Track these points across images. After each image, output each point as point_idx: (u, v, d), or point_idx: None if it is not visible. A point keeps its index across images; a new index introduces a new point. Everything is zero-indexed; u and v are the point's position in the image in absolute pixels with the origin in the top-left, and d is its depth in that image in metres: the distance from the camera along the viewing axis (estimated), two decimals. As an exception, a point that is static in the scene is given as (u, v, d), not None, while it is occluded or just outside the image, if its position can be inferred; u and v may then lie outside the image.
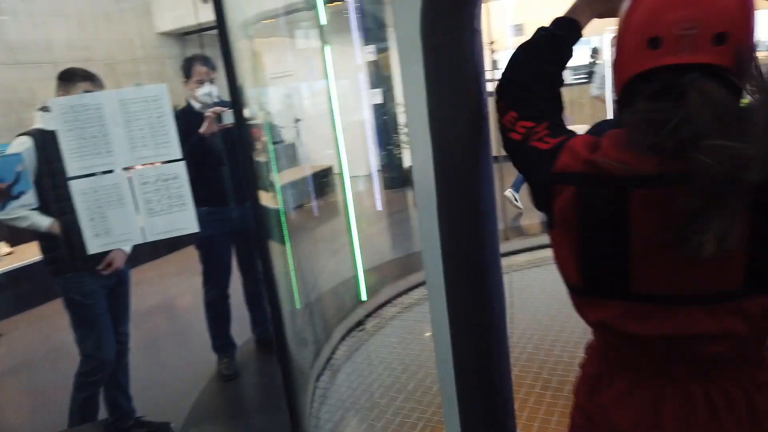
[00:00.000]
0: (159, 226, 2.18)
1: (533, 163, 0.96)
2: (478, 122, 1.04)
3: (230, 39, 2.30)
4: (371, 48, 7.48)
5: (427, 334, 3.74)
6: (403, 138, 7.73)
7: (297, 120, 4.86)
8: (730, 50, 0.81)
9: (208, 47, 9.89)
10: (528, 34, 1.04)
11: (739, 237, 0.79)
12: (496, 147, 1.16)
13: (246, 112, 2.39)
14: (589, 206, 0.89)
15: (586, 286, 0.94)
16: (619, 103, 0.93)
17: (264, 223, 2.37)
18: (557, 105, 1.04)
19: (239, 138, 2.24)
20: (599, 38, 10.98)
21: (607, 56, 7.91)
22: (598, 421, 1.00)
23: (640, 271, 0.87)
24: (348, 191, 3.79)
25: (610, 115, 5.96)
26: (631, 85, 0.88)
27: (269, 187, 2.98)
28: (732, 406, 0.90)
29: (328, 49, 3.71)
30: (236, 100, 2.28)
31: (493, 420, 1.16)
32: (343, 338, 3.64)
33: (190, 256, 5.96)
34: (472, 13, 1.02)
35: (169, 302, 5.01)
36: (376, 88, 7.52)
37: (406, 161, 8.05)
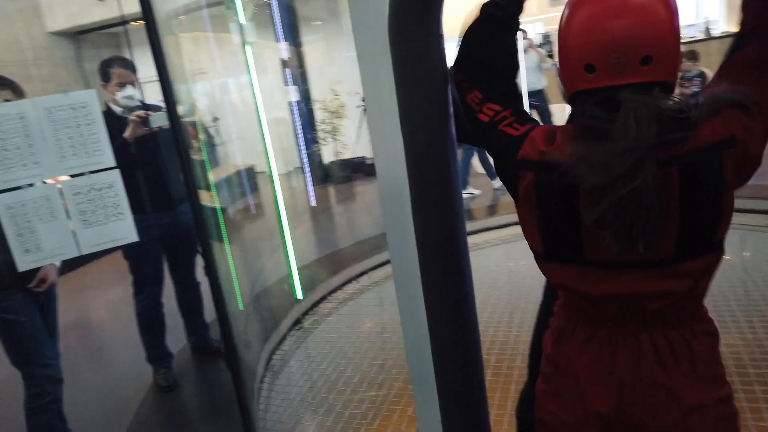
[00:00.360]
0: (95, 238, 2.08)
1: (505, 147, 1.08)
2: (446, 121, 1.11)
3: (159, 34, 2.23)
4: (285, 45, 7.40)
5: (370, 323, 3.81)
6: (321, 134, 7.73)
7: (215, 119, 4.74)
8: (656, 67, 0.95)
9: (105, 47, 9.36)
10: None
11: (665, 216, 0.95)
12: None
13: (180, 111, 2.33)
14: (545, 190, 1.04)
15: (548, 254, 1.10)
16: (570, 104, 1.07)
17: (206, 224, 2.32)
18: (516, 87, 1.16)
19: (175, 138, 2.18)
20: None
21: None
22: (564, 367, 1.14)
23: (590, 242, 1.02)
24: (278, 189, 3.77)
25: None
26: (576, 94, 1.04)
27: (207, 186, 2.91)
28: (674, 351, 1.05)
29: (249, 48, 3.66)
30: (169, 99, 2.22)
31: (469, 402, 1.24)
32: (282, 338, 3.63)
33: (102, 268, 5.68)
34: (438, 20, 1.08)
35: (86, 318, 4.75)
36: (292, 85, 7.46)
37: (326, 157, 8.06)
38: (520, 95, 1.16)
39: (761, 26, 1.01)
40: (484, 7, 1.15)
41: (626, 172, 0.91)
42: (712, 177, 0.95)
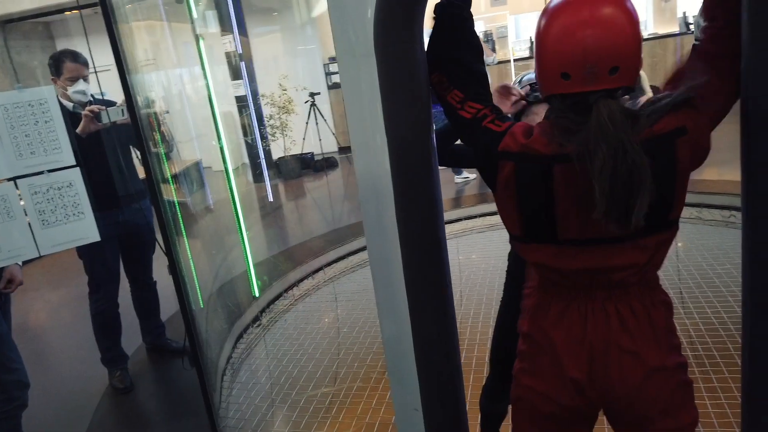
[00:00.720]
0: (55, 238, 2.03)
1: (489, 141, 1.18)
2: (428, 120, 1.17)
3: (115, 21, 2.19)
4: (233, 37, 7.28)
5: (329, 317, 3.85)
6: (270, 130, 7.65)
7: (165, 112, 4.62)
8: (621, 75, 1.08)
9: (35, 38, 8.88)
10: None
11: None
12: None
13: (139, 102, 2.28)
14: (524, 177, 1.15)
15: (525, 236, 1.22)
16: (548, 102, 1.19)
17: (169, 219, 2.30)
18: (488, 87, 1.26)
19: (136, 132, 2.15)
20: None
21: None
22: (540, 340, 1.26)
23: (564, 223, 1.15)
24: (233, 185, 3.73)
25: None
26: (552, 96, 1.16)
27: (165, 180, 2.86)
28: (636, 319, 1.19)
29: (201, 41, 3.61)
30: (128, 91, 2.18)
31: (449, 388, 1.31)
32: (240, 336, 3.61)
33: (41, 270, 5.44)
34: (420, 26, 1.14)
35: (29, 322, 4.55)
36: (237, 79, 7.34)
37: (275, 153, 7.99)
38: (490, 98, 1.26)
39: (721, 17, 1.11)
40: (438, 7, 1.25)
41: (616, 156, 1.03)
42: (666, 161, 1.08)
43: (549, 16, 1.10)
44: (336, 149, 8.93)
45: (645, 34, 9.38)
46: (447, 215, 5.20)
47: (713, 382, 2.48)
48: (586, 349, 1.20)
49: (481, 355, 3.01)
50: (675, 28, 9.26)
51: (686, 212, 4.33)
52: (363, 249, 4.78)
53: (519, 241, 1.24)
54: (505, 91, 1.62)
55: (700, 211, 4.43)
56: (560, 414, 1.26)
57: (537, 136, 1.14)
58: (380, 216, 1.34)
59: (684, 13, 9.27)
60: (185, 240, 3.10)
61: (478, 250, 4.58)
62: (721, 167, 5.06)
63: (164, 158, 3.03)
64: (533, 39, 1.17)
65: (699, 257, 3.74)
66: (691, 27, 9.14)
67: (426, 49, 1.24)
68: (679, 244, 4.02)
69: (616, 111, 1.04)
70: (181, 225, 3.04)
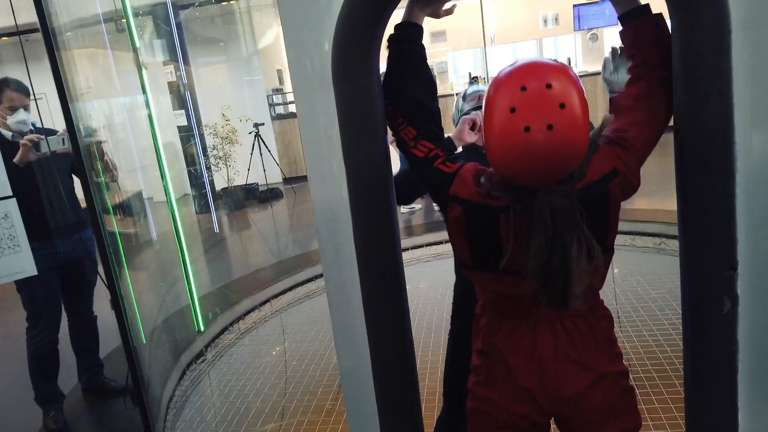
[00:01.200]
0: (-12, 272, 1.91)
1: (440, 181, 1.24)
2: (386, 151, 1.20)
3: (57, 47, 2.13)
4: (171, 68, 7.18)
5: (276, 349, 3.76)
6: (213, 160, 7.54)
7: (103, 142, 4.49)
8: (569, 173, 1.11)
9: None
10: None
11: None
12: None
13: (82, 130, 2.22)
14: (472, 221, 1.21)
15: (475, 264, 1.27)
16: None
17: (111, 251, 2.22)
18: (440, 126, 1.31)
19: (78, 161, 2.08)
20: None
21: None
22: (493, 354, 1.32)
23: (511, 257, 1.17)
24: (177, 216, 3.65)
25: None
26: None
27: (107, 211, 2.76)
28: (581, 333, 1.27)
29: (144, 70, 3.55)
30: (69, 119, 2.12)
31: (410, 417, 1.32)
32: (183, 372, 3.48)
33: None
34: (376, 61, 1.18)
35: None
36: (179, 109, 7.23)
37: (219, 184, 7.85)
38: (443, 133, 1.32)
39: (645, 61, 1.21)
40: (391, 39, 1.29)
41: (552, 247, 1.09)
42: (601, 201, 1.16)
43: (498, 98, 1.04)
44: (281, 180, 8.89)
45: (576, 71, 9.91)
46: (394, 245, 5.24)
47: (653, 403, 2.58)
48: (536, 361, 1.26)
49: (432, 384, 3.02)
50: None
51: (621, 239, 4.55)
52: (310, 280, 4.74)
53: (468, 269, 1.30)
54: (472, 123, 1.68)
55: (633, 238, 4.66)
56: (514, 423, 1.31)
57: (485, 188, 1.19)
58: (337, 244, 1.35)
59: (612, 47, 9.85)
60: (126, 272, 3.00)
61: (426, 279, 4.62)
62: (652, 197, 5.37)
63: (105, 188, 2.94)
64: (482, 103, 1.11)
65: (634, 282, 3.92)
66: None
67: (384, 83, 1.29)
68: (615, 270, 4.20)
69: (558, 204, 1.07)
70: (122, 257, 2.94)
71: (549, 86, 0.99)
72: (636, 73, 1.23)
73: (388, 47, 1.29)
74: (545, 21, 11.41)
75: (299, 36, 1.28)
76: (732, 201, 1.03)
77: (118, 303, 2.16)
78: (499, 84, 1.04)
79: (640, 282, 3.90)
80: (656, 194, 5.62)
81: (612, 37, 10.87)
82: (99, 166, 2.84)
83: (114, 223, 3.04)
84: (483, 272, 1.27)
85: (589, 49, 10.96)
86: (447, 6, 1.34)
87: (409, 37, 1.28)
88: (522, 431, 1.33)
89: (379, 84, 1.19)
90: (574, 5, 10.67)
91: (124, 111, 5.13)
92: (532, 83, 0.99)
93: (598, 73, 9.49)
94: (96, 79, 4.11)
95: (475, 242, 1.22)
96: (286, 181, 8.88)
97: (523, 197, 1.11)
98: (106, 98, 4.53)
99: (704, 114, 1.01)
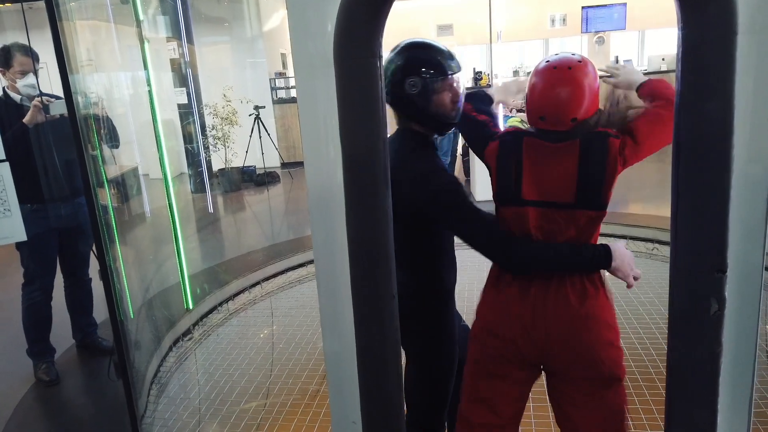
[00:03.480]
0: (-23, 235, 1.90)
1: (489, 133, 1.66)
2: (382, 133, 1.19)
3: (59, 17, 2.11)
4: (174, 44, 7.13)
5: (264, 332, 3.77)
6: (211, 141, 7.50)
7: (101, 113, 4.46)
8: (578, 121, 1.48)
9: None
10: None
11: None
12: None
13: (79, 101, 2.21)
14: (503, 149, 1.57)
15: (501, 197, 1.57)
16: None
17: (102, 224, 2.21)
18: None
19: (74, 130, 2.07)
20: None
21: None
22: (492, 300, 1.61)
23: (527, 186, 1.51)
24: (171, 194, 3.63)
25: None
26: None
27: (101, 183, 2.76)
28: (574, 287, 1.51)
29: (147, 45, 3.52)
30: (68, 90, 2.10)
31: (389, 402, 1.32)
32: (170, 349, 3.48)
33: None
34: (379, 42, 1.17)
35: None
36: (180, 87, 7.19)
37: (216, 164, 7.83)
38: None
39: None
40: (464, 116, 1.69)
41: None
42: (602, 154, 1.46)
43: (535, 74, 1.53)
44: (279, 164, 8.86)
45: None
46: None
47: (636, 404, 2.60)
48: (530, 299, 1.52)
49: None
50: (608, 70, 9.83)
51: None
52: (302, 265, 4.74)
53: (497, 204, 1.59)
54: (516, 88, 1.91)
55: (626, 242, 4.66)
56: (506, 351, 1.56)
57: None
58: (329, 228, 1.34)
59: (616, 56, 9.86)
60: (118, 247, 2.99)
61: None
62: (646, 203, 5.39)
63: (101, 161, 2.93)
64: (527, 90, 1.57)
65: (625, 286, 3.93)
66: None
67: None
68: (606, 274, 4.22)
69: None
70: (115, 231, 2.94)
71: (570, 68, 1.47)
72: (654, 104, 1.54)
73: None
74: (553, 21, 11.37)
75: (303, 15, 1.26)
76: (726, 203, 1.03)
77: (106, 274, 2.15)
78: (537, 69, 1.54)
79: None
80: (651, 200, 5.65)
81: (618, 40, 10.85)
82: (95, 139, 2.85)
83: (108, 197, 3.03)
84: (507, 207, 1.55)
85: (595, 51, 10.94)
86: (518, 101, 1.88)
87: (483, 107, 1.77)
88: (511, 365, 1.57)
89: (381, 66, 1.18)
90: (583, 7, 10.64)
91: (125, 86, 5.10)
92: (560, 64, 1.49)
93: (603, 76, 9.50)
94: (97, 52, 4.08)
95: (502, 169, 1.54)
96: (284, 165, 8.86)
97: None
98: (107, 72, 4.50)
99: (705, 113, 1.01)
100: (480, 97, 1.82)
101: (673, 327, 1.17)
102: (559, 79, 1.46)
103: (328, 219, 1.35)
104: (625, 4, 10.47)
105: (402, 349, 1.81)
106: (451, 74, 1.57)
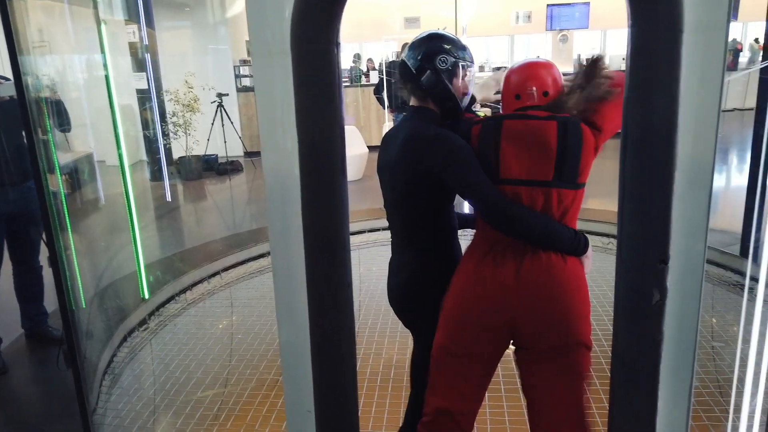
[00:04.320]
0: None
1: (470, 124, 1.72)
2: (339, 121, 1.19)
3: None
4: (134, 27, 6.93)
5: (223, 322, 3.72)
6: (171, 128, 7.34)
7: (58, 100, 4.31)
8: (550, 97, 1.63)
9: None
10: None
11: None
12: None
13: (30, 83, 2.13)
14: (484, 133, 1.63)
15: None
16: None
17: (52, 210, 2.14)
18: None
19: (23, 114, 1.99)
20: (359, 45, 11.82)
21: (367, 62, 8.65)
22: (477, 278, 1.63)
23: (504, 165, 1.58)
24: (128, 181, 3.54)
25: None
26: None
27: (52, 169, 2.66)
28: (549, 259, 1.58)
29: (104, 26, 3.41)
30: (18, 72, 2.02)
31: (342, 390, 1.32)
32: (124, 339, 3.41)
33: None
34: (336, 29, 1.16)
35: None
36: (140, 71, 7.00)
37: (176, 152, 7.66)
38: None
39: None
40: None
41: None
42: (577, 137, 1.55)
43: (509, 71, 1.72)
44: (242, 153, 8.73)
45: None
46: (351, 226, 5.23)
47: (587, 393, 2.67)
48: (506, 268, 1.59)
49: (375, 365, 3.05)
50: (570, 67, 10.05)
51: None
52: (263, 255, 4.69)
53: None
54: (495, 84, 1.95)
55: (610, 242, 4.79)
56: (483, 320, 1.61)
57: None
58: (286, 217, 1.33)
59: (579, 55, 10.05)
60: (70, 234, 2.90)
61: (379, 263, 4.64)
62: (604, 198, 5.53)
63: (53, 146, 2.83)
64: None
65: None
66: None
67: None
68: (564, 266, 4.31)
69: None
70: (66, 218, 2.85)
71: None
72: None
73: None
74: (517, 18, 11.50)
75: (260, 1, 1.25)
76: (669, 196, 1.07)
77: (56, 262, 2.09)
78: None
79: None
80: (608, 196, 5.78)
81: (581, 39, 11.06)
82: (47, 123, 2.75)
83: (60, 183, 2.94)
84: None
85: (559, 49, 11.12)
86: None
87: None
88: (486, 334, 1.62)
89: (337, 52, 1.17)
90: (548, 5, 10.79)
91: (79, 69, 4.93)
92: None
93: (566, 74, 9.67)
94: (50, 33, 3.93)
95: (483, 150, 1.61)
96: (248, 154, 8.74)
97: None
98: (61, 54, 4.34)
99: (651, 109, 1.04)
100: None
101: (617, 316, 1.21)
102: (530, 64, 1.68)
103: (285, 208, 1.34)
104: (588, 4, 10.68)
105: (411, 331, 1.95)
106: (473, 65, 1.76)
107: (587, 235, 1.67)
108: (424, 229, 1.78)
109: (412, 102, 1.78)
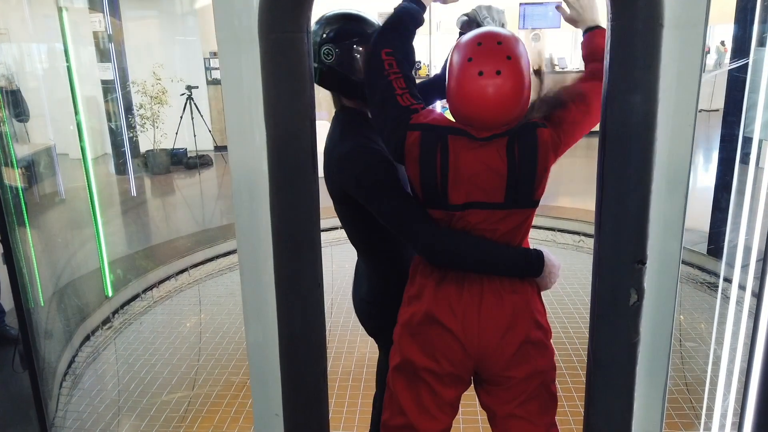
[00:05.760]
0: None
1: (406, 117, 1.34)
2: (310, 113, 1.14)
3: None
4: (99, 16, 6.71)
5: (191, 321, 3.63)
6: (138, 120, 7.15)
7: (15, 89, 4.14)
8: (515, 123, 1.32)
9: None
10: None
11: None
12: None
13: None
14: (426, 143, 1.32)
15: (426, 200, 1.36)
16: None
17: (7, 205, 2.04)
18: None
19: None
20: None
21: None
22: (440, 301, 1.41)
23: (453, 189, 1.32)
24: (91, 175, 3.42)
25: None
26: None
27: (8, 163, 2.54)
28: (503, 284, 1.39)
29: (65, 13, 3.28)
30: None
31: (312, 393, 1.27)
32: (86, 338, 3.29)
33: None
34: (307, 16, 1.11)
35: None
36: (105, 62, 6.79)
37: (144, 145, 7.47)
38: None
39: (593, 69, 1.39)
40: (399, 8, 1.40)
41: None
42: (529, 145, 1.30)
43: (459, 52, 1.30)
44: (212, 147, 8.57)
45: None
46: (324, 222, 5.17)
47: (559, 392, 2.67)
48: (465, 295, 1.38)
49: (347, 364, 3.01)
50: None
51: (542, 235, 4.70)
52: (233, 252, 4.59)
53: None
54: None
55: (554, 234, 4.81)
56: (446, 345, 1.41)
57: (438, 117, 1.36)
58: (253, 213, 1.28)
59: (550, 54, 10.15)
60: (28, 230, 2.78)
61: (352, 260, 4.59)
62: (574, 197, 5.58)
63: (9, 138, 2.70)
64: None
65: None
66: (556, 67, 10.07)
67: (380, 30, 1.38)
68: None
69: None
70: (24, 213, 2.72)
71: (499, 43, 1.26)
72: (584, 76, 1.41)
73: (394, 11, 1.40)
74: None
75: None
76: (647, 195, 1.05)
77: (11, 258, 1.98)
78: (460, 43, 1.31)
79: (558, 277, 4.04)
80: (578, 194, 5.85)
81: (553, 38, 11.17)
82: (3, 114, 2.62)
83: (17, 177, 2.81)
84: (434, 209, 1.36)
85: (531, 48, 11.19)
86: None
87: (413, 14, 1.40)
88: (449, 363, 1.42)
89: (309, 41, 1.12)
90: (521, 3, 10.85)
91: (38, 58, 4.75)
92: (486, 40, 1.27)
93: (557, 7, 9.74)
94: (7, 20, 3.77)
95: (426, 168, 1.32)
96: (218, 148, 8.58)
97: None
98: (18, 42, 4.16)
99: (630, 105, 1.02)
100: (403, 24, 1.42)
101: (594, 316, 1.19)
102: (485, 89, 1.25)
103: (252, 203, 1.29)
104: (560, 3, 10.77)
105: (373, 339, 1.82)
106: (365, 35, 1.47)
107: (541, 250, 1.43)
108: (366, 242, 1.62)
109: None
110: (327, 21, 1.50)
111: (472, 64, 1.24)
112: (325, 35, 1.48)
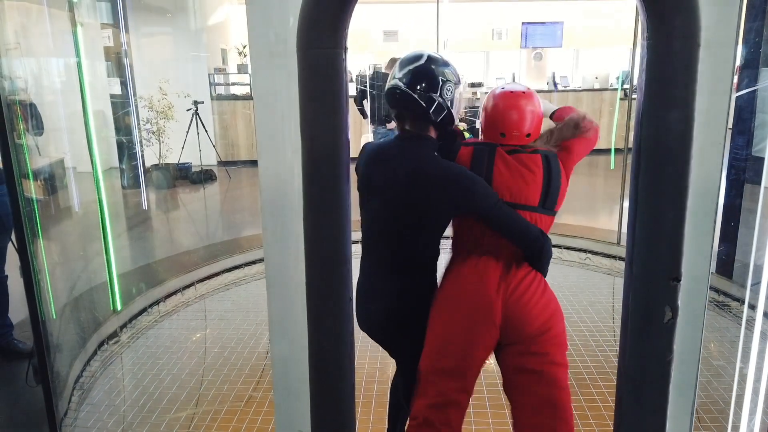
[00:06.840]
0: None
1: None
2: (344, 127, 1.15)
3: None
4: (109, 32, 6.78)
5: (197, 335, 3.60)
6: (145, 135, 7.18)
7: (31, 104, 4.16)
8: (531, 137, 1.77)
9: None
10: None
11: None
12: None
13: (5, 85, 2.03)
14: (476, 156, 1.72)
15: None
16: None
17: (25, 217, 2.04)
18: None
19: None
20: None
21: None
22: (470, 278, 1.70)
23: (496, 188, 1.68)
24: (102, 188, 3.42)
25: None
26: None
27: (26, 175, 2.55)
28: (518, 269, 1.69)
29: (80, 29, 3.31)
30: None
31: (341, 407, 1.27)
32: (94, 352, 3.27)
33: None
34: (344, 33, 1.12)
35: None
36: (114, 76, 6.84)
37: (149, 160, 7.49)
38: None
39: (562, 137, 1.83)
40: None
41: None
42: (556, 165, 1.71)
43: (491, 97, 1.78)
44: (215, 162, 8.60)
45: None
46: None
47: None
48: (491, 274, 1.67)
49: (358, 381, 2.98)
50: (544, 85, 10.22)
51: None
52: (238, 267, 4.59)
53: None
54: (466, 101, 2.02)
55: (561, 251, 4.81)
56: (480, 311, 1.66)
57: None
58: (282, 227, 1.28)
59: (553, 72, 10.24)
60: (41, 242, 2.78)
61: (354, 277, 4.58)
62: (579, 215, 5.59)
63: (26, 150, 2.71)
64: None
65: (559, 293, 4.02)
66: (558, 85, 10.14)
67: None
68: (542, 281, 4.32)
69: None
70: (38, 225, 2.73)
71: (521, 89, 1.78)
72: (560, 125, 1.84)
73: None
74: (495, 34, 11.67)
75: (263, 6, 1.20)
76: (683, 212, 1.06)
77: (29, 271, 1.98)
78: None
79: (565, 294, 4.03)
80: (584, 212, 5.87)
81: (555, 57, 11.27)
82: (21, 127, 2.63)
83: (32, 189, 2.82)
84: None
85: (532, 66, 11.30)
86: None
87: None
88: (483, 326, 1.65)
89: (344, 57, 1.13)
90: (523, 23, 10.97)
91: (55, 72, 4.78)
92: (510, 86, 1.79)
93: (540, 91, 9.82)
94: (26, 35, 3.80)
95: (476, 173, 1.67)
96: (222, 163, 8.60)
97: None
98: (36, 56, 4.19)
99: (666, 122, 1.02)
100: None
101: (625, 333, 1.19)
102: (515, 102, 1.73)
103: (280, 217, 1.29)
104: (562, 23, 10.89)
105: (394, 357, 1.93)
106: (460, 85, 1.75)
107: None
108: (414, 258, 1.75)
109: (408, 126, 1.72)
110: (445, 62, 1.70)
111: (504, 90, 1.76)
112: (445, 72, 1.68)
